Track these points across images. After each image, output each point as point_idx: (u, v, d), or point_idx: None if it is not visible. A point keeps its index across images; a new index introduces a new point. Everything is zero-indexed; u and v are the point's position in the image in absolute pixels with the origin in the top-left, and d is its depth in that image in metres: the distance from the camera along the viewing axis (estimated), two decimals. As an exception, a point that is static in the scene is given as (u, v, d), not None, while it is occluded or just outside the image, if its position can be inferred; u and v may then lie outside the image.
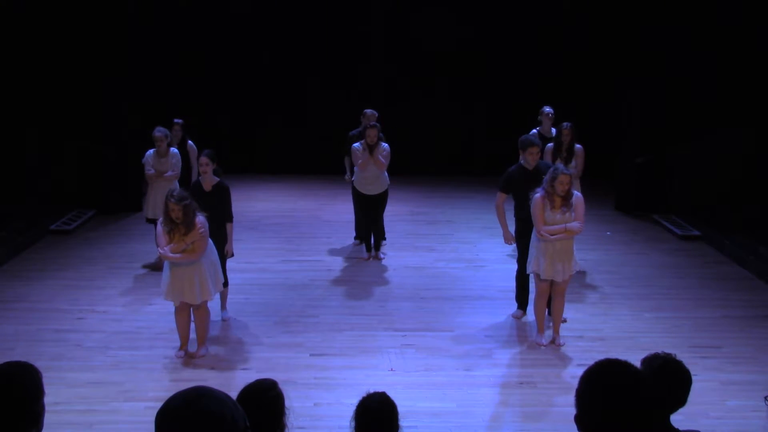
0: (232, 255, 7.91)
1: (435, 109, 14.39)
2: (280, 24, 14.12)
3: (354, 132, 10.01)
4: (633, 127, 12.14)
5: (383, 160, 9.35)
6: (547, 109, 9.90)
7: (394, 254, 10.00)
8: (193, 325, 7.08)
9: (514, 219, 7.94)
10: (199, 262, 6.78)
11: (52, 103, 11.21)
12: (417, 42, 14.08)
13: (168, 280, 6.83)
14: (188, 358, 6.96)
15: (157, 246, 7.02)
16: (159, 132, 9.14)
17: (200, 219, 6.75)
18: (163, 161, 9.18)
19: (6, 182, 10.34)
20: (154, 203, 8.99)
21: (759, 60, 10.25)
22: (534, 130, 9.93)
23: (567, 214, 7.01)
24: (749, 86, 10.34)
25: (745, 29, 10.38)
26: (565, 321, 7.60)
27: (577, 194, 7.16)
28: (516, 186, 7.65)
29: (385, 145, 9.44)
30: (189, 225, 6.66)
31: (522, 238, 7.66)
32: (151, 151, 9.21)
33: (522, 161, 7.80)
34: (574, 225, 7.03)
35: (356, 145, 9.48)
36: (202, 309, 6.99)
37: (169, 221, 6.66)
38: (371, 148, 9.33)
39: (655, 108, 11.79)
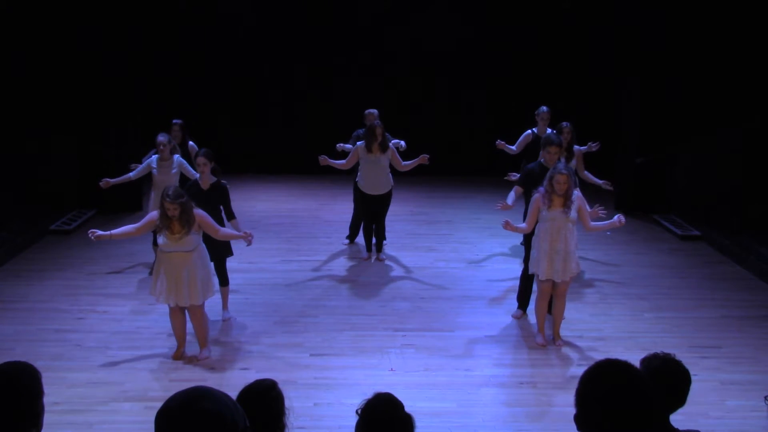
0: (251, 240, 7.17)
1: (435, 109, 14.41)
2: (280, 24, 14.13)
3: (359, 132, 10.00)
4: (633, 127, 12.14)
5: (400, 161, 9.43)
6: (543, 109, 9.91)
7: (394, 254, 10.00)
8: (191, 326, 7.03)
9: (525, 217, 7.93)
10: (191, 264, 6.64)
11: (52, 103, 11.20)
12: (417, 42, 14.11)
13: (155, 278, 6.75)
14: (190, 360, 6.92)
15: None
16: (162, 137, 9.01)
17: (198, 212, 6.66)
18: (166, 165, 9.02)
19: (6, 182, 10.33)
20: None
21: (759, 60, 10.23)
22: (528, 131, 9.95)
23: (567, 214, 7.01)
24: (749, 86, 10.33)
25: (744, 29, 10.36)
26: (563, 318, 7.57)
27: (576, 193, 7.16)
28: (535, 182, 7.48)
29: (393, 143, 9.66)
30: (187, 220, 6.55)
31: (531, 238, 7.61)
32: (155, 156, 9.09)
33: (542, 159, 7.81)
34: (616, 221, 7.05)
35: (360, 143, 9.43)
36: (197, 311, 6.84)
37: (165, 218, 6.55)
38: (383, 147, 9.30)
39: (655, 108, 11.79)
